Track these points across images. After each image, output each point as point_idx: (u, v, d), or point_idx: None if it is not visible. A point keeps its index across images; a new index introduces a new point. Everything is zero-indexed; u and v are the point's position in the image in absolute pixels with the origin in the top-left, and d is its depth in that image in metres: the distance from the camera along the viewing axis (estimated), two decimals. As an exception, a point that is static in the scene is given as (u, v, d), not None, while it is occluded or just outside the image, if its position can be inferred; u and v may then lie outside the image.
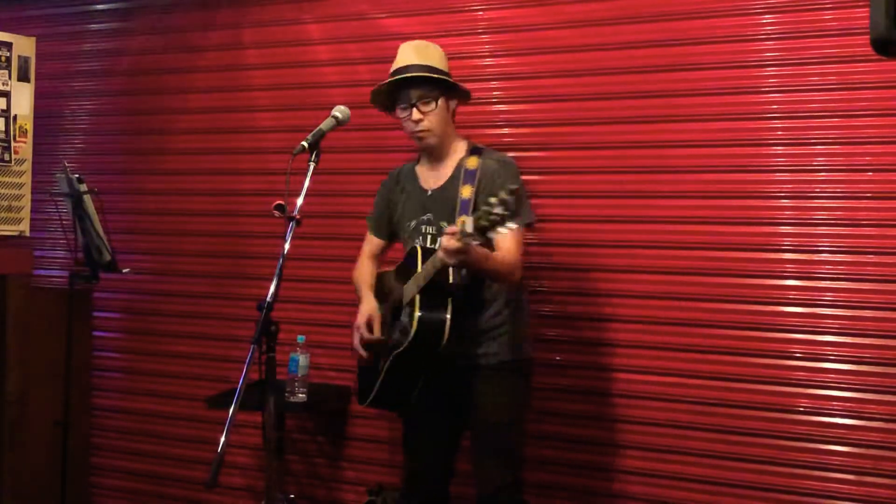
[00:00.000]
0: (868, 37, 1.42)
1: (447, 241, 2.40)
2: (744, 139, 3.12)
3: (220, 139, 4.09)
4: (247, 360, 2.29)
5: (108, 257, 3.60)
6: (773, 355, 3.07)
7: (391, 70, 2.85)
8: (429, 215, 2.84)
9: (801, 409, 3.03)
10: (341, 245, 3.78)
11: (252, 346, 2.31)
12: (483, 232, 2.25)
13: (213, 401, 3.57)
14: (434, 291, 2.62)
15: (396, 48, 3.67)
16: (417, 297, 2.64)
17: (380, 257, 3.12)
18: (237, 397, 2.25)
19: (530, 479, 3.36)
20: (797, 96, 3.05)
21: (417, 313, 2.63)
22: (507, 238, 2.60)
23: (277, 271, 2.39)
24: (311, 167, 2.52)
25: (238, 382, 2.27)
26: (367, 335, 2.87)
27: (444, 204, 2.78)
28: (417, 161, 2.99)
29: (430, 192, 2.87)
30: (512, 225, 2.21)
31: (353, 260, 3.74)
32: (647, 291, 3.25)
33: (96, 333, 4.32)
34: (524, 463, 2.94)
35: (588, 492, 3.32)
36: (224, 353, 3.96)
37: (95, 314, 4.31)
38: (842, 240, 2.99)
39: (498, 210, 2.20)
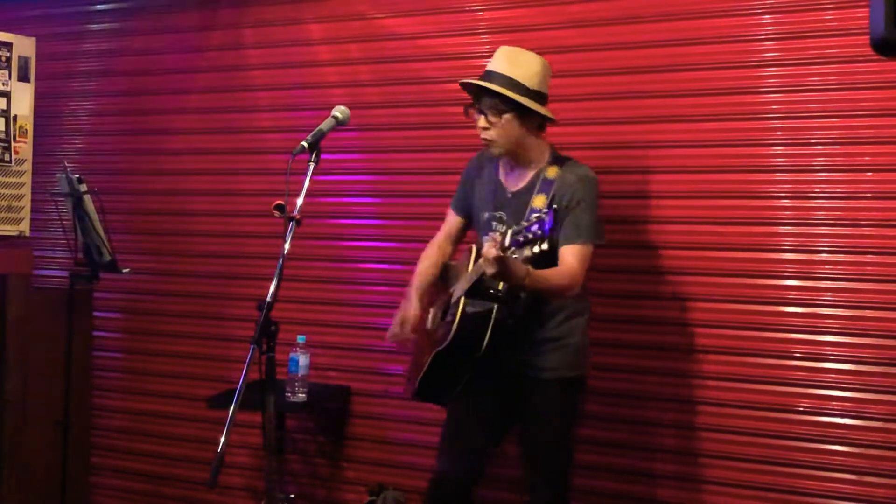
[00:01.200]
0: (868, 37, 1.42)
1: (486, 249, 2.35)
2: (744, 139, 3.12)
3: (221, 139, 4.08)
4: (247, 360, 2.29)
5: (108, 257, 3.60)
6: (773, 355, 3.07)
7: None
8: (501, 214, 2.81)
9: (802, 408, 3.03)
10: (341, 245, 3.79)
11: (252, 346, 2.30)
12: (519, 246, 2.22)
13: (213, 401, 3.57)
14: (481, 295, 2.58)
15: (397, 48, 3.70)
16: (462, 300, 2.63)
17: (457, 238, 3.04)
18: (237, 397, 2.25)
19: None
20: (797, 96, 3.05)
21: (459, 315, 2.62)
22: (569, 253, 2.61)
23: (277, 271, 2.39)
24: (311, 167, 2.52)
25: (238, 382, 2.27)
26: (397, 332, 2.91)
27: (517, 208, 2.73)
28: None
29: (508, 193, 2.82)
30: (545, 246, 2.17)
31: (353, 260, 3.77)
32: (647, 291, 3.25)
33: (96, 333, 4.32)
34: (572, 474, 2.95)
35: (588, 492, 3.32)
36: (224, 353, 3.96)
37: (95, 314, 4.31)
38: (842, 240, 2.99)
39: (534, 228, 2.19)
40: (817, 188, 3.03)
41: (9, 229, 3.84)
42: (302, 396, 3.43)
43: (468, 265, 2.71)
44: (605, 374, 3.30)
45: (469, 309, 2.64)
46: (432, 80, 3.60)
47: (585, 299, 2.86)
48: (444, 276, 2.96)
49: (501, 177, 2.86)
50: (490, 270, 2.36)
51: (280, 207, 2.45)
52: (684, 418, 3.19)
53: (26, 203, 3.90)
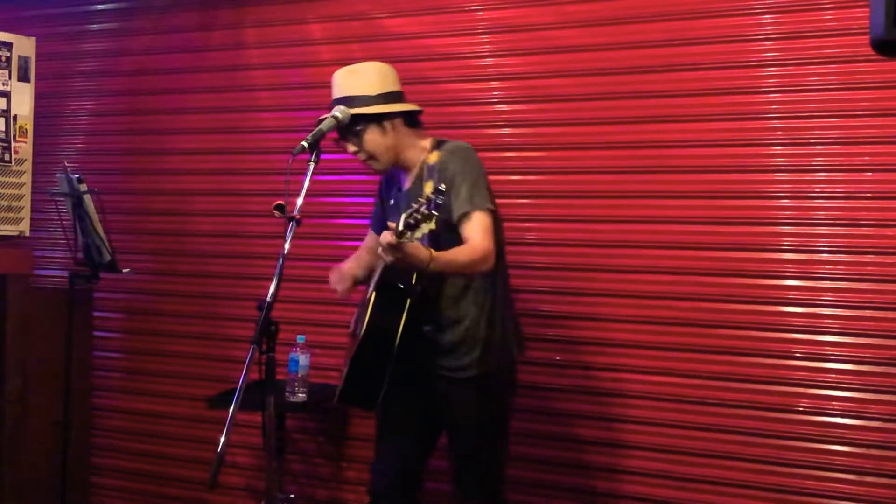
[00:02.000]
0: (868, 37, 1.42)
1: (383, 237, 2.31)
2: (744, 139, 3.12)
3: (221, 139, 4.09)
4: (247, 360, 2.29)
5: (108, 257, 3.60)
6: (773, 355, 3.07)
7: None
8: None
9: (802, 408, 3.03)
10: (341, 245, 3.78)
11: (252, 346, 2.30)
12: (411, 229, 2.22)
13: (213, 401, 3.57)
14: (391, 292, 2.57)
15: (398, 48, 3.70)
16: (373, 295, 2.61)
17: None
18: (237, 397, 2.25)
19: (530, 479, 3.37)
20: (797, 96, 3.06)
21: (369, 310, 2.58)
22: (466, 228, 2.57)
23: (277, 271, 2.39)
24: (311, 167, 2.51)
25: (238, 382, 2.27)
26: (334, 280, 2.93)
27: (411, 202, 2.74)
28: None
29: (403, 193, 2.82)
30: (432, 225, 2.20)
31: (353, 260, 3.76)
32: (647, 291, 3.25)
33: (96, 333, 4.32)
34: (503, 477, 2.82)
35: (588, 491, 3.32)
36: (224, 353, 3.96)
37: (95, 314, 4.31)
38: (842, 240, 3.00)
39: (423, 209, 2.19)
40: (817, 188, 3.03)
41: (9, 229, 3.84)
42: (302, 396, 3.43)
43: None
44: (605, 373, 3.31)
45: (379, 303, 2.59)
46: (432, 80, 3.60)
47: (495, 288, 2.73)
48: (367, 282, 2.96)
49: (402, 181, 2.86)
50: (388, 258, 2.35)
51: (280, 207, 2.45)
52: (684, 417, 3.19)
53: (26, 203, 3.90)
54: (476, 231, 2.57)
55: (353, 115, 2.66)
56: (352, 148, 2.74)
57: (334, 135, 2.73)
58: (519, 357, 2.84)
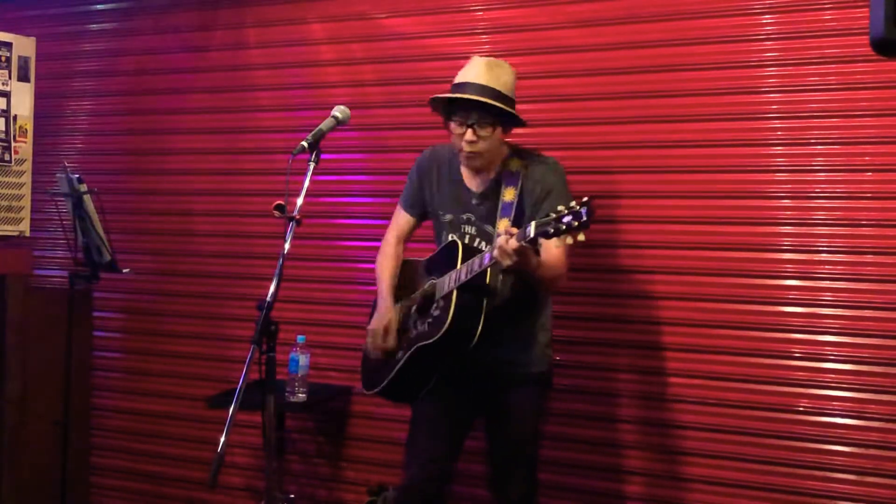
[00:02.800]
0: (868, 37, 1.42)
1: (505, 242, 2.38)
2: (744, 139, 3.12)
3: (221, 139, 4.08)
4: (247, 360, 2.29)
5: (108, 257, 3.60)
6: (773, 355, 3.07)
7: (457, 79, 2.72)
8: (469, 215, 2.81)
9: (802, 408, 3.03)
10: (341, 245, 3.79)
11: (252, 346, 2.30)
12: (546, 237, 2.29)
13: (213, 401, 3.57)
14: (472, 290, 2.60)
15: (398, 48, 3.70)
16: (455, 293, 2.61)
17: (407, 238, 3.02)
18: (237, 397, 2.25)
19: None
20: (797, 96, 3.05)
21: (454, 307, 2.58)
22: (553, 244, 2.56)
23: (277, 271, 2.39)
24: (311, 167, 2.52)
25: (238, 382, 2.27)
26: (380, 343, 2.84)
27: (487, 207, 2.75)
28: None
29: (474, 194, 2.81)
30: (581, 238, 2.25)
31: (353, 260, 3.76)
32: (648, 291, 3.25)
33: (96, 333, 4.32)
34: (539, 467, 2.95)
35: (588, 492, 3.32)
36: (224, 353, 3.96)
37: (95, 314, 4.31)
38: (842, 240, 3.00)
39: (567, 219, 2.25)
40: (817, 188, 3.03)
41: (9, 229, 3.84)
42: (302, 396, 3.43)
43: (457, 262, 2.65)
44: (605, 373, 3.31)
45: (462, 302, 2.61)
46: (433, 80, 3.59)
47: (549, 297, 2.89)
48: (404, 276, 2.96)
49: (465, 180, 2.84)
50: (507, 262, 2.41)
51: (280, 207, 2.45)
52: (684, 418, 3.19)
53: (26, 203, 3.89)
54: (563, 252, 2.61)
55: (502, 110, 2.65)
56: (470, 136, 2.66)
57: (454, 114, 2.69)
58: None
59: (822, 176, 3.03)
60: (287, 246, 2.43)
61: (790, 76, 3.06)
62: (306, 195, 2.51)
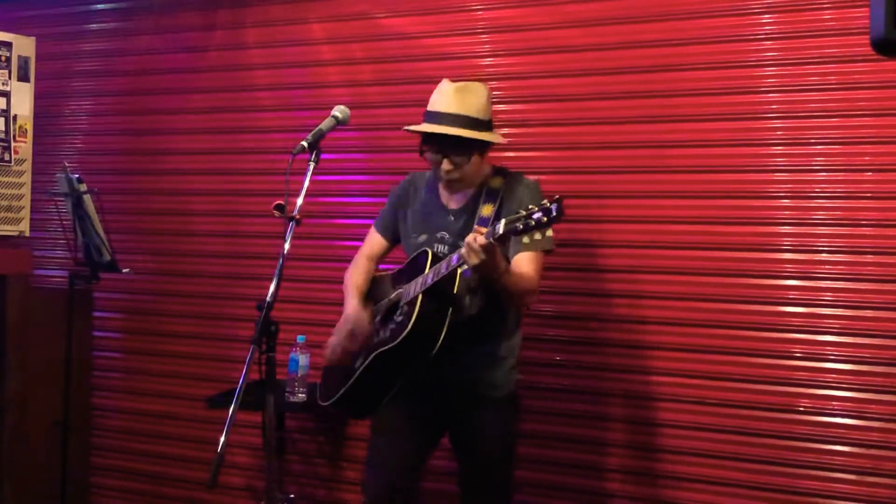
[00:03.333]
0: (868, 37, 1.42)
1: (473, 239, 2.34)
2: (744, 139, 3.12)
3: (221, 139, 4.08)
4: (247, 360, 2.29)
5: (108, 257, 3.60)
6: (773, 355, 3.07)
7: (429, 107, 2.70)
8: (443, 234, 2.75)
9: (802, 408, 3.03)
10: (341, 245, 3.78)
11: (252, 346, 2.30)
12: (515, 234, 2.27)
13: (213, 401, 3.57)
14: (438, 297, 2.56)
15: (398, 48, 3.70)
16: (420, 298, 2.57)
17: (379, 259, 3.01)
18: (237, 397, 2.25)
19: (531, 479, 3.36)
20: (797, 96, 3.06)
21: (416, 312, 2.53)
22: (525, 261, 2.61)
23: (277, 271, 2.39)
24: (311, 167, 2.51)
25: (238, 382, 2.27)
26: (346, 344, 2.78)
27: (463, 222, 2.72)
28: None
29: (450, 212, 2.77)
30: (539, 236, 2.24)
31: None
32: (648, 291, 3.25)
33: (96, 333, 4.32)
34: (513, 490, 2.89)
35: (588, 492, 3.32)
36: (224, 353, 3.96)
37: (95, 314, 4.31)
38: (842, 240, 3.00)
39: (537, 215, 2.22)
40: (817, 188, 3.03)
41: (9, 229, 3.84)
42: (302, 396, 3.43)
43: (426, 269, 2.60)
44: (606, 374, 3.31)
45: (426, 307, 2.56)
46: (433, 80, 3.55)
47: (520, 319, 2.84)
48: (372, 289, 2.91)
49: (442, 198, 2.81)
50: (475, 260, 2.36)
51: (280, 207, 2.45)
52: (684, 418, 3.19)
53: (26, 203, 3.89)
54: (534, 267, 2.63)
55: (470, 140, 2.63)
56: (447, 166, 2.66)
57: (429, 143, 2.68)
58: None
59: (822, 176, 3.03)
60: (287, 246, 2.43)
61: (789, 76, 3.06)
62: (306, 195, 2.51)
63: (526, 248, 2.60)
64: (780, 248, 3.08)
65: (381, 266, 3.01)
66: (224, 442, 2.20)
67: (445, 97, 2.67)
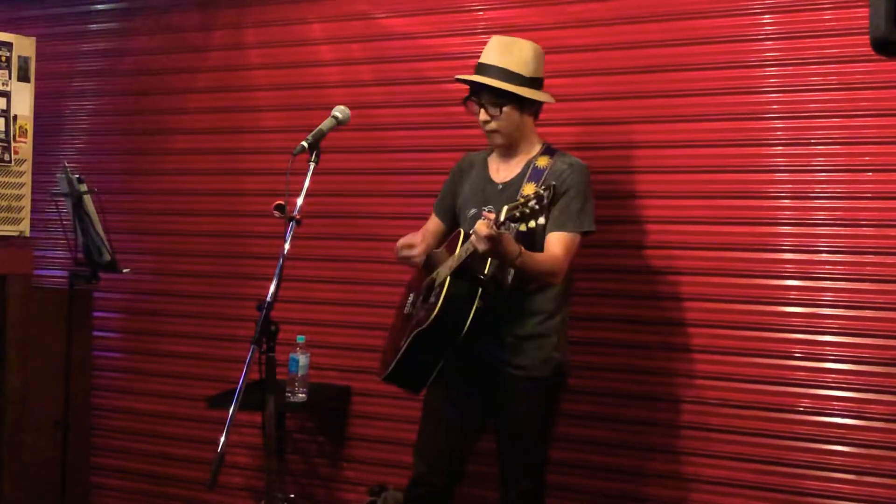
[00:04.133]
0: (868, 37, 1.42)
1: (479, 226, 2.38)
2: (744, 139, 3.12)
3: (222, 139, 4.09)
4: (247, 360, 2.29)
5: (108, 257, 3.60)
6: (773, 355, 3.07)
7: (479, 60, 2.79)
8: (490, 207, 2.74)
9: (802, 408, 3.03)
10: (341, 245, 3.79)
11: (252, 346, 2.30)
12: (515, 222, 2.28)
13: (213, 401, 3.57)
14: (466, 278, 2.58)
15: (398, 48, 3.70)
16: (448, 280, 2.59)
17: (437, 238, 3.01)
18: (237, 397, 2.25)
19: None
20: (797, 96, 3.05)
21: (444, 295, 2.57)
22: (556, 241, 2.63)
23: (277, 271, 2.39)
24: (311, 167, 2.52)
25: (238, 382, 2.27)
26: (405, 252, 2.88)
27: (508, 198, 2.70)
28: (491, 151, 2.93)
29: (498, 186, 2.82)
30: (541, 220, 2.27)
31: (353, 260, 3.77)
32: (647, 291, 3.25)
33: (96, 333, 4.32)
34: (547, 468, 2.91)
35: (588, 491, 3.32)
36: (224, 353, 3.96)
37: (95, 314, 4.31)
38: (842, 240, 2.99)
39: (532, 203, 2.25)
40: (817, 188, 3.03)
41: (9, 229, 3.85)
42: (302, 396, 3.43)
43: (456, 249, 2.65)
44: (605, 374, 3.31)
45: (453, 290, 2.59)
46: (433, 80, 3.60)
47: (567, 297, 2.85)
48: (426, 265, 2.93)
49: (491, 172, 2.87)
50: (482, 247, 2.39)
51: (280, 207, 2.46)
52: (684, 418, 3.19)
53: (26, 203, 3.90)
54: (562, 248, 2.65)
55: (503, 91, 2.69)
56: (484, 116, 2.75)
57: (472, 95, 2.77)
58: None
59: (822, 176, 3.03)
60: (287, 246, 2.43)
61: (790, 76, 3.06)
62: (306, 195, 2.51)
63: (556, 227, 2.64)
64: (780, 248, 3.08)
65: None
66: (224, 442, 2.21)
67: (489, 51, 2.79)
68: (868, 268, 2.96)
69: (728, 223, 3.14)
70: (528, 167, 2.77)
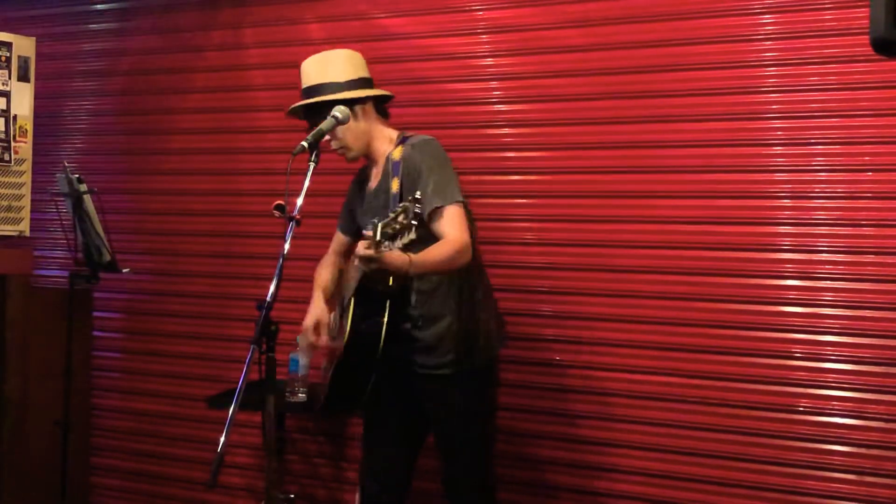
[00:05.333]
0: (868, 37, 1.42)
1: (359, 248, 2.31)
2: (744, 139, 3.12)
3: (221, 139, 4.09)
4: (247, 360, 2.29)
5: (108, 257, 3.60)
6: (773, 355, 3.07)
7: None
8: (375, 218, 2.68)
9: (802, 409, 3.03)
10: (341, 245, 3.78)
11: (252, 347, 2.30)
12: (390, 239, 2.21)
13: (213, 401, 3.57)
14: (370, 295, 2.54)
15: (398, 48, 3.70)
16: (352, 301, 2.58)
17: (346, 255, 3.00)
18: (237, 397, 2.25)
19: (528, 479, 3.36)
20: (797, 96, 3.05)
21: (350, 318, 2.56)
22: (444, 222, 2.55)
23: (277, 271, 2.39)
24: (311, 167, 2.51)
25: (238, 382, 2.27)
26: (312, 339, 2.80)
27: (382, 201, 2.70)
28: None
29: (372, 192, 2.80)
30: (413, 235, 2.18)
31: (353, 260, 3.76)
32: (647, 291, 3.25)
33: (96, 333, 4.32)
34: (491, 472, 2.86)
35: (588, 492, 3.32)
36: (224, 353, 3.96)
37: (95, 314, 4.31)
38: (842, 240, 2.99)
39: (401, 219, 2.18)
40: (817, 188, 3.03)
41: (9, 229, 3.85)
42: (302, 396, 3.43)
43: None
44: (605, 374, 3.30)
45: (360, 310, 2.57)
46: (432, 80, 3.60)
47: (472, 283, 2.73)
48: (343, 280, 2.93)
49: (369, 182, 2.84)
50: (367, 268, 2.36)
51: (280, 207, 2.45)
52: (684, 418, 3.19)
53: (26, 203, 3.90)
54: (452, 225, 2.56)
55: (323, 102, 2.66)
56: (334, 143, 2.74)
57: (310, 125, 2.71)
58: (501, 352, 2.85)
59: (822, 176, 3.02)
60: (287, 246, 2.43)
61: (790, 76, 3.06)
62: (306, 195, 2.51)
63: (435, 211, 2.55)
64: (780, 248, 3.08)
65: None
66: (224, 442, 2.20)
67: (302, 74, 2.76)
68: (868, 268, 2.96)
69: (728, 223, 3.14)
70: (388, 165, 2.71)
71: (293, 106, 2.80)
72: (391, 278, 2.51)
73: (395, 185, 2.62)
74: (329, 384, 2.74)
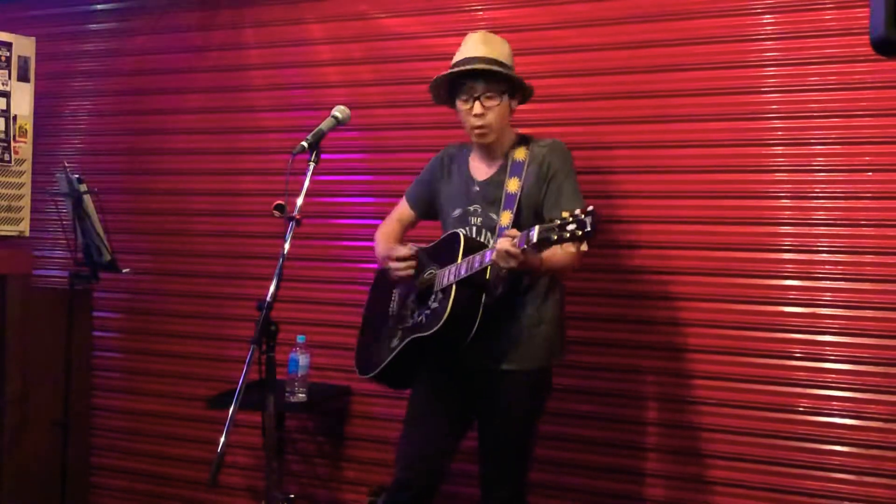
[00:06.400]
0: (868, 37, 1.42)
1: (505, 245, 2.39)
2: (744, 139, 3.12)
3: (221, 139, 4.09)
4: (247, 360, 2.29)
5: (108, 257, 3.60)
6: (773, 355, 3.07)
7: (454, 60, 2.75)
8: (476, 206, 2.76)
9: (801, 409, 3.03)
10: (341, 245, 3.79)
11: (252, 346, 2.30)
12: (549, 244, 2.29)
13: (213, 401, 3.57)
14: (471, 285, 2.58)
15: (398, 48, 3.70)
16: (454, 287, 2.58)
17: (408, 228, 3.02)
18: (237, 397, 2.25)
19: (530, 479, 3.36)
20: (797, 96, 3.06)
21: (451, 303, 2.55)
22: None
23: (277, 271, 2.39)
24: (311, 167, 2.52)
25: (238, 382, 2.27)
26: (402, 270, 2.80)
27: (492, 194, 2.72)
28: (471, 148, 2.88)
29: (478, 183, 2.79)
30: (584, 248, 2.26)
31: (353, 260, 3.77)
32: (647, 291, 3.25)
33: (96, 333, 4.32)
34: (531, 468, 2.89)
35: (588, 492, 3.32)
36: (224, 353, 3.96)
37: (95, 314, 4.31)
38: (842, 240, 3.00)
39: (571, 227, 2.24)
40: (817, 188, 3.03)
41: (9, 229, 3.84)
42: (302, 396, 3.43)
43: (458, 256, 2.62)
44: (605, 373, 3.31)
45: (460, 297, 2.58)
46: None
47: (562, 285, 2.82)
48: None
49: (473, 172, 2.84)
50: (506, 265, 2.43)
51: (280, 207, 2.45)
52: (684, 418, 3.19)
53: (26, 203, 3.89)
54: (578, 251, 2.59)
55: (503, 77, 2.68)
56: (478, 109, 2.68)
57: (462, 90, 2.71)
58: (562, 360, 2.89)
59: (822, 176, 3.03)
60: (287, 246, 2.43)
61: (790, 76, 3.06)
62: (306, 195, 2.51)
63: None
64: (780, 248, 3.08)
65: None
66: (224, 442, 2.21)
67: (473, 45, 2.76)
68: (868, 268, 2.96)
69: (728, 223, 3.14)
70: (507, 160, 2.74)
71: (457, 70, 2.70)
72: (488, 271, 2.58)
73: (512, 185, 2.65)
74: (394, 357, 2.74)
